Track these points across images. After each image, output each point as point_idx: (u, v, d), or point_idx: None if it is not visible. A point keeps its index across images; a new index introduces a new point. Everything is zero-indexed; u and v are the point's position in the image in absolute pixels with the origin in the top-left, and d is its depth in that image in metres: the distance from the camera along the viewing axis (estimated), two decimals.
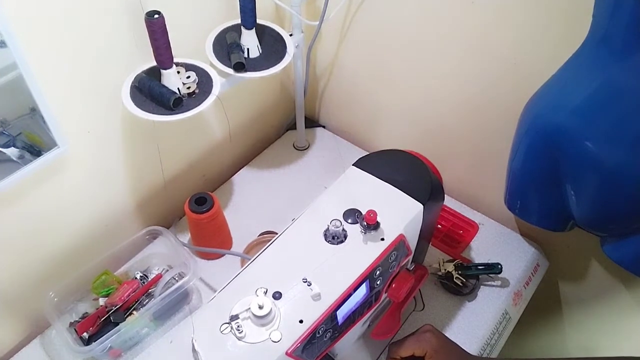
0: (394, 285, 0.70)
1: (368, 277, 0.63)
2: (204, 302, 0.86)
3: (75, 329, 0.79)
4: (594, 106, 0.65)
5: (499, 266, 0.89)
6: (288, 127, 1.24)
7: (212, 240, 0.94)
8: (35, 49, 0.63)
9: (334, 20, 0.99)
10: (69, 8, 0.65)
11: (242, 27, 0.82)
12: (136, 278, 0.87)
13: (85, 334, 0.79)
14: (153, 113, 0.74)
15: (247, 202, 1.06)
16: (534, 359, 0.64)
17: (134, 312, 0.81)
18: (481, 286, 0.92)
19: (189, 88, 0.77)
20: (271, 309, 0.56)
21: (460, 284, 0.89)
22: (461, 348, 0.69)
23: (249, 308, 0.56)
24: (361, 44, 1.01)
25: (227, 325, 0.56)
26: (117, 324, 0.78)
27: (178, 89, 0.76)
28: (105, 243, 0.89)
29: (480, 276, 0.92)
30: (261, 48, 0.85)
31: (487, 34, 0.81)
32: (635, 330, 0.93)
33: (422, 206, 0.67)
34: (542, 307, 1.11)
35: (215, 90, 0.78)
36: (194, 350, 0.56)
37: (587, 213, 0.75)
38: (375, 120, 1.12)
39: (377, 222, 0.63)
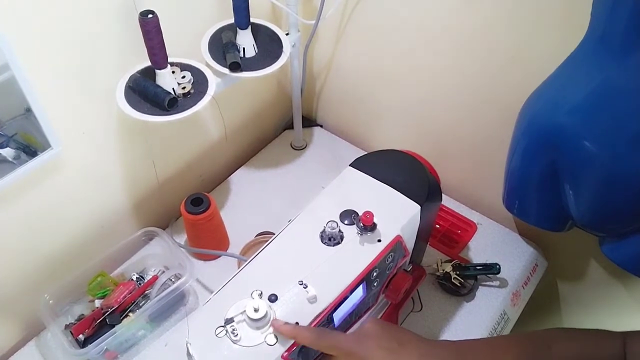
0: (391, 287, 0.69)
1: (365, 278, 0.62)
2: (201, 304, 0.86)
3: (70, 331, 0.79)
4: (592, 105, 0.65)
5: (497, 266, 0.89)
6: (285, 127, 1.24)
7: (208, 241, 0.93)
8: (27, 50, 0.62)
9: (331, 19, 0.99)
10: (62, 8, 0.64)
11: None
12: (132, 279, 0.87)
13: (80, 336, 0.78)
14: (148, 114, 0.73)
15: (244, 203, 1.06)
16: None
17: (130, 314, 0.81)
18: (479, 286, 0.91)
19: (184, 88, 0.76)
20: (267, 312, 0.55)
21: (459, 285, 0.89)
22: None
23: (244, 311, 0.55)
24: (358, 43, 1.00)
25: (222, 328, 0.55)
26: (113, 326, 0.78)
27: (173, 89, 0.75)
28: (101, 244, 0.89)
29: (478, 276, 0.91)
30: (257, 47, 0.84)
31: (485, 32, 0.80)
32: (634, 329, 0.93)
33: (419, 207, 0.67)
34: (541, 307, 1.10)
35: (211, 90, 0.78)
36: (188, 354, 0.55)
37: (585, 213, 0.75)
38: (373, 119, 1.11)
39: (374, 223, 0.63)
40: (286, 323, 0.55)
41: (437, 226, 1.01)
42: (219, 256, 0.95)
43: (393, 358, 0.51)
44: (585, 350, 0.52)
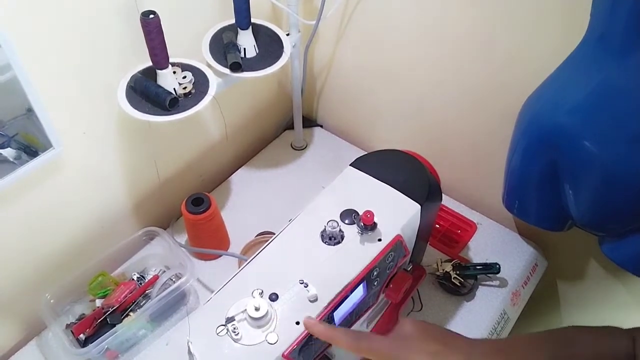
0: (391, 286, 0.69)
1: (365, 278, 0.63)
2: (201, 303, 0.86)
3: (71, 331, 0.79)
4: (591, 105, 0.65)
5: (497, 266, 0.89)
6: (286, 127, 1.24)
7: (209, 241, 0.93)
8: (29, 50, 0.63)
9: (331, 19, 0.99)
10: (63, 8, 0.64)
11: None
12: (133, 279, 0.87)
13: (81, 335, 0.79)
14: (149, 113, 0.73)
15: (244, 203, 1.06)
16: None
17: (131, 313, 0.81)
18: (479, 286, 0.92)
19: (185, 88, 0.76)
20: (267, 311, 0.55)
21: (459, 284, 0.89)
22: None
23: (245, 310, 0.55)
24: (359, 43, 1.00)
25: (223, 327, 0.56)
26: (113, 326, 0.78)
27: (174, 89, 0.76)
28: (101, 244, 0.89)
29: (478, 276, 0.91)
30: (258, 48, 0.85)
31: (485, 32, 0.80)
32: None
33: (419, 206, 0.67)
34: (541, 306, 1.10)
35: (212, 90, 0.78)
36: (189, 353, 0.55)
37: (585, 213, 0.75)
38: (373, 119, 1.11)
39: (374, 222, 0.63)
40: (320, 322, 0.54)
41: (437, 226, 1.01)
42: (220, 256, 0.95)
43: None
44: (601, 348, 0.52)
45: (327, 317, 0.59)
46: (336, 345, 0.53)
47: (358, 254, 0.63)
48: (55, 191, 0.78)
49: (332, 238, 0.63)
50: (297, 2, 0.88)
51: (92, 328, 0.79)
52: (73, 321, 0.81)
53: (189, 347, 0.56)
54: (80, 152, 0.78)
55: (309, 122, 1.23)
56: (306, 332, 0.56)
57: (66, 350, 0.74)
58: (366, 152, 0.76)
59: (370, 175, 0.71)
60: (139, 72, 0.77)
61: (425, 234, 0.77)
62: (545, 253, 1.00)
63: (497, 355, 0.50)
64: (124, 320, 0.79)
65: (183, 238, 0.98)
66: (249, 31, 0.82)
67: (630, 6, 0.56)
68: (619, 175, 0.66)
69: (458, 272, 0.89)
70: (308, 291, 0.58)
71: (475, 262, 0.94)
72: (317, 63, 1.12)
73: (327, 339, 0.53)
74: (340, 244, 0.63)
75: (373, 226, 0.63)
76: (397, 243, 0.65)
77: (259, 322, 0.55)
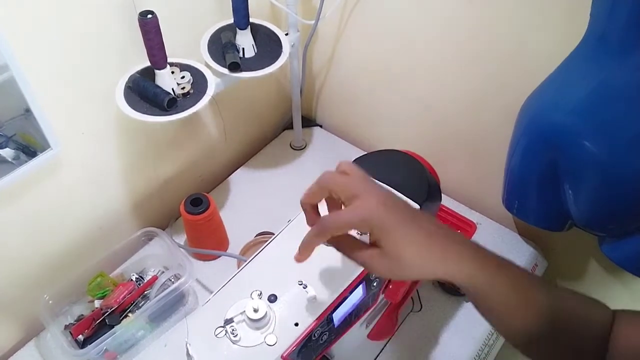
0: (391, 287, 0.69)
1: (365, 279, 0.62)
2: (200, 304, 0.86)
3: (70, 332, 0.79)
4: (591, 105, 0.65)
5: None
6: (285, 127, 1.24)
7: (208, 241, 0.93)
8: (27, 51, 0.62)
9: (330, 19, 0.99)
10: (61, 8, 0.64)
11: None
12: (132, 280, 0.87)
13: (80, 336, 0.79)
14: (147, 114, 0.73)
15: (243, 203, 1.06)
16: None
17: (130, 314, 0.81)
18: None
19: (183, 88, 0.76)
20: (266, 312, 0.55)
21: None
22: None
23: (244, 311, 0.55)
24: (358, 43, 1.00)
25: (221, 329, 0.55)
26: (112, 327, 0.78)
27: (172, 89, 0.75)
28: (100, 245, 0.89)
29: None
30: (257, 47, 0.84)
31: (485, 32, 0.80)
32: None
33: (418, 207, 0.67)
34: None
35: (210, 90, 0.78)
36: (188, 354, 0.55)
37: (585, 213, 0.75)
38: (373, 119, 1.11)
39: None
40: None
41: None
42: (219, 256, 0.95)
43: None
44: (586, 312, 0.51)
45: (326, 318, 0.59)
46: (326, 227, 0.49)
47: None
48: (53, 192, 0.78)
49: None
50: (295, 2, 0.87)
51: (90, 329, 0.79)
52: (72, 322, 0.81)
53: (187, 348, 0.55)
54: (78, 153, 0.78)
55: (308, 122, 1.23)
56: (305, 333, 0.56)
57: (65, 351, 0.74)
58: (365, 152, 0.76)
59: (369, 175, 0.70)
60: (137, 72, 0.76)
61: None
62: (545, 253, 1.00)
63: (473, 261, 0.46)
64: (122, 321, 0.79)
65: (182, 238, 0.98)
66: (248, 31, 0.82)
67: (630, 6, 0.56)
68: (619, 175, 0.66)
69: None
70: (307, 292, 0.58)
71: None
72: (316, 63, 1.12)
73: (316, 237, 0.49)
74: None
75: None
76: None
77: (257, 323, 0.55)
